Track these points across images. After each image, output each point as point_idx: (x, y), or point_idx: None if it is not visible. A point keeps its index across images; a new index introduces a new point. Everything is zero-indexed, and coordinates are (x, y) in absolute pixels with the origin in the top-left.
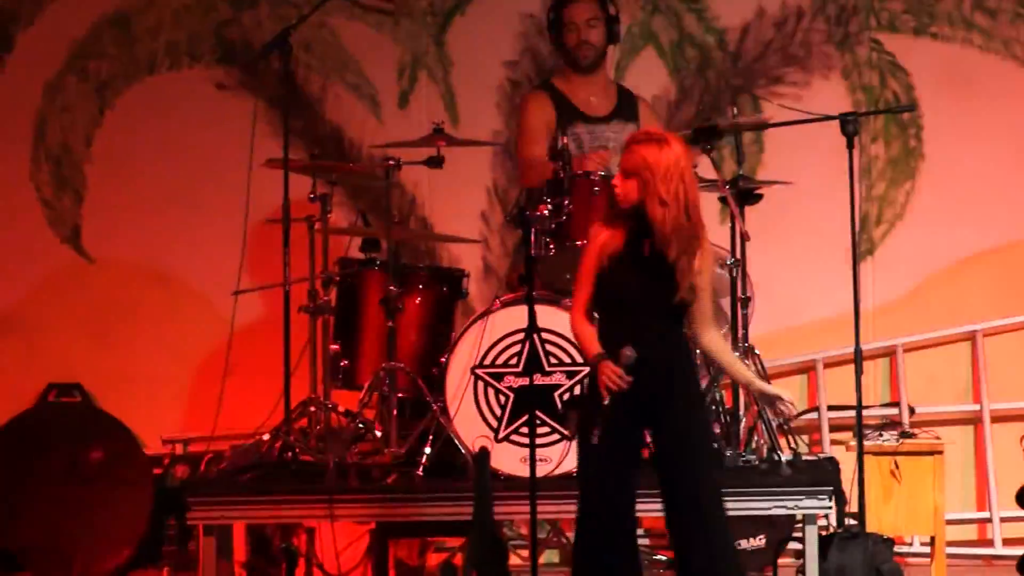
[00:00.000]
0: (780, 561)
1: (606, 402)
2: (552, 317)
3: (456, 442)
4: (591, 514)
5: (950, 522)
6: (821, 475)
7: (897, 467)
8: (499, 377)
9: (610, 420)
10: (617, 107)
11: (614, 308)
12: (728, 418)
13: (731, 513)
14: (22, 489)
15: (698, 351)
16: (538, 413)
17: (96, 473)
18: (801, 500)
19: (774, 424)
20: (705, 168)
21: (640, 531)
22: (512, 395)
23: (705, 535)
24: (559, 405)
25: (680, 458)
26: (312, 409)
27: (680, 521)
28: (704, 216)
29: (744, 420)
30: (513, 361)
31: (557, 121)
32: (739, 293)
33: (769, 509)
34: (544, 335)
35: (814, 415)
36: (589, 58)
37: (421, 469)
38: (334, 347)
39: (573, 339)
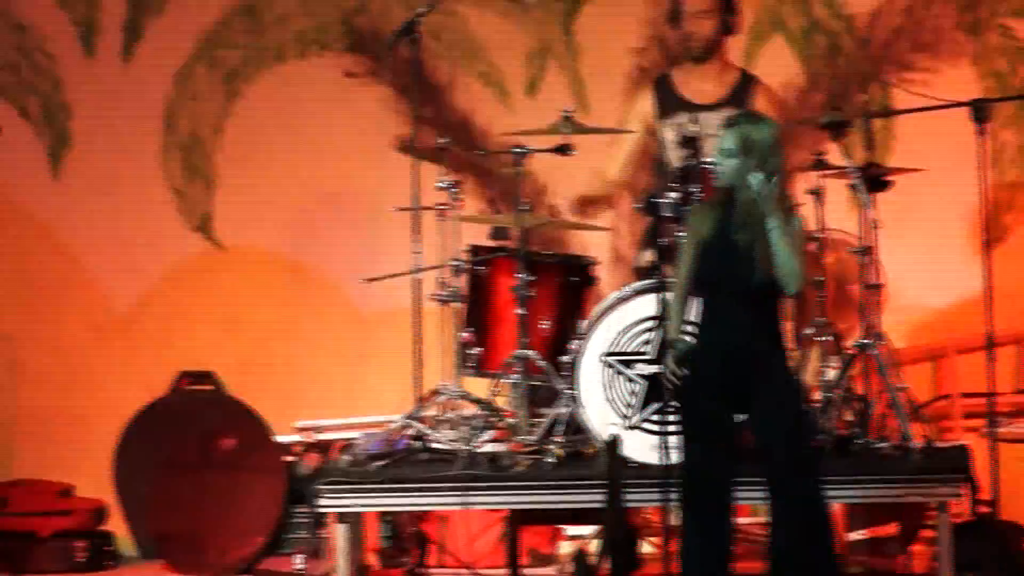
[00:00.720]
0: (912, 549)
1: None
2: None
3: (588, 429)
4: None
5: None
6: (953, 462)
7: None
8: (630, 364)
9: (694, 402)
10: (731, 94)
11: (703, 290)
12: (861, 405)
13: (863, 501)
14: (156, 477)
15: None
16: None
17: (228, 461)
18: (934, 487)
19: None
20: (835, 155)
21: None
22: (643, 382)
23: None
24: None
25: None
26: (443, 397)
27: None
28: (834, 203)
29: (875, 407)
30: (644, 348)
31: (660, 112)
32: (869, 280)
33: (901, 497)
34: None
35: (946, 401)
36: (696, 50)
37: (553, 457)
38: (465, 335)
39: None
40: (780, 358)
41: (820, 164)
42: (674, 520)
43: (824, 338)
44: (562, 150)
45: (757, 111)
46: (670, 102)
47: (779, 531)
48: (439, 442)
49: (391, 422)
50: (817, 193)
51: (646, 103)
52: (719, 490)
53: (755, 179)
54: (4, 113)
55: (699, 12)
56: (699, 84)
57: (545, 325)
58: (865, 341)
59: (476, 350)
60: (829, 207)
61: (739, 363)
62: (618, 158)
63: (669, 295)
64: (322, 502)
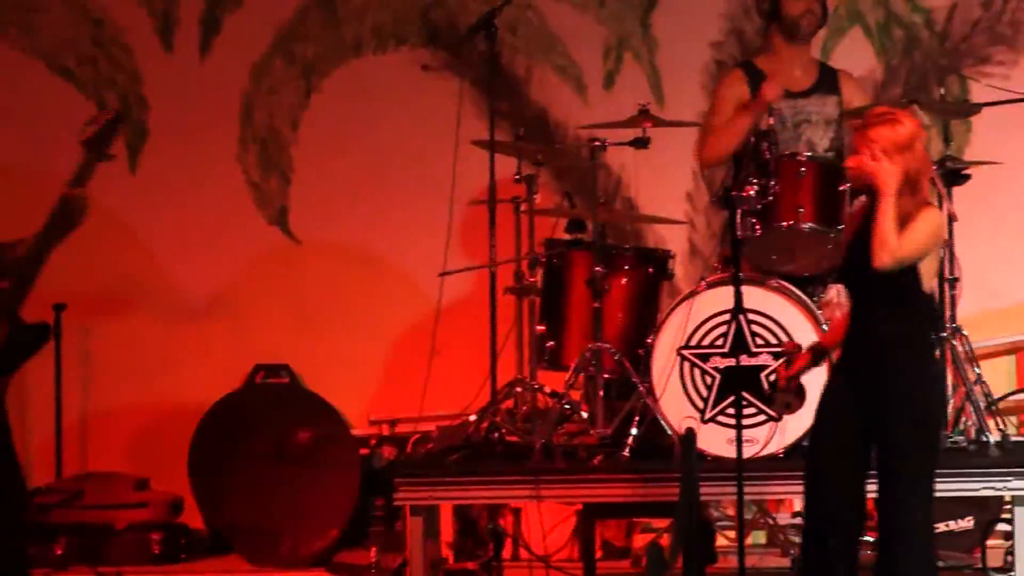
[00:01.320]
0: (988, 543)
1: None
2: (758, 298)
3: (662, 423)
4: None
5: None
6: None
7: None
8: (705, 358)
9: (825, 405)
10: (818, 81)
11: (846, 287)
12: None
13: (939, 494)
14: (230, 470)
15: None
16: (744, 394)
17: (304, 454)
18: (1010, 481)
19: (981, 405)
20: None
21: None
22: (718, 376)
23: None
24: (766, 386)
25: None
26: (518, 390)
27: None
28: None
29: (952, 401)
30: (719, 342)
31: (751, 98)
32: (946, 274)
33: (977, 490)
34: (750, 316)
35: (1023, 396)
36: (811, 26)
37: (627, 450)
38: (540, 328)
39: (778, 318)
40: (913, 372)
41: None
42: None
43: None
44: (638, 144)
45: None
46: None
47: None
48: (514, 435)
49: (466, 415)
50: None
51: (741, 87)
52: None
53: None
54: (81, 107)
55: None
56: (789, 71)
57: (621, 318)
58: (942, 335)
59: (551, 343)
60: None
61: (866, 362)
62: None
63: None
64: (397, 495)
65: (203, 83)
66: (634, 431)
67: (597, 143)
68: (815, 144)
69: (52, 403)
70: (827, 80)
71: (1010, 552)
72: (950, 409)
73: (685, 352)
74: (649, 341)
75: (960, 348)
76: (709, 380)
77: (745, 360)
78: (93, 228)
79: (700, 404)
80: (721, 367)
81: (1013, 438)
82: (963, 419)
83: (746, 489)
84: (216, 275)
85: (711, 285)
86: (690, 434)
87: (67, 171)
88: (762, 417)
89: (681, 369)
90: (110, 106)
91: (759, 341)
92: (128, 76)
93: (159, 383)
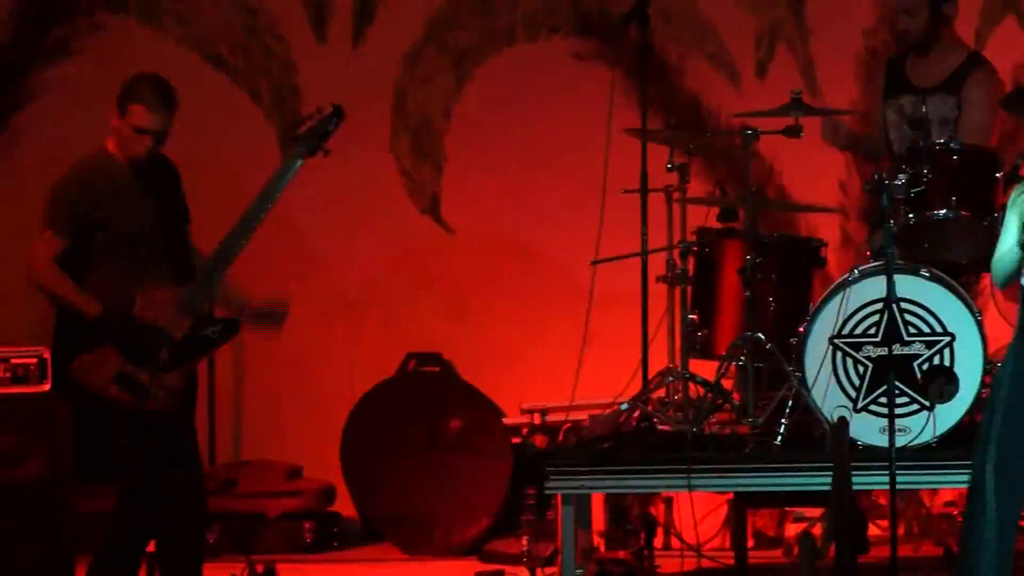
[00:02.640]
0: None
1: None
2: (911, 286)
3: (814, 412)
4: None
5: None
6: None
7: None
8: (858, 347)
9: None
10: (948, 79)
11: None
12: None
13: None
14: (383, 458)
15: None
16: (897, 383)
17: (456, 443)
18: None
19: None
20: None
21: None
22: (871, 365)
23: None
24: (919, 375)
25: None
26: (670, 379)
27: None
28: None
29: None
30: (872, 331)
31: (885, 92)
32: None
33: None
34: (903, 304)
35: None
36: (903, 47)
37: (779, 439)
38: (692, 316)
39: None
40: None
41: None
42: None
43: None
44: (791, 132)
45: None
46: (896, 83)
47: None
48: (666, 424)
49: (618, 404)
50: None
51: (881, 82)
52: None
53: None
54: (235, 96)
55: (907, 8)
56: (926, 67)
57: (772, 307)
58: None
59: (703, 332)
60: None
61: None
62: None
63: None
64: (549, 484)
65: (356, 72)
66: (786, 420)
67: (749, 131)
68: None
69: (206, 392)
70: (958, 78)
71: None
72: None
73: (837, 341)
74: (801, 330)
75: None
76: (861, 369)
77: (898, 349)
78: None
79: (852, 393)
80: (874, 356)
81: None
82: None
83: (899, 478)
84: (369, 264)
85: (864, 274)
86: (842, 423)
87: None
88: (915, 406)
89: (833, 358)
90: (323, 107)
91: (912, 330)
92: (281, 66)
93: (312, 372)
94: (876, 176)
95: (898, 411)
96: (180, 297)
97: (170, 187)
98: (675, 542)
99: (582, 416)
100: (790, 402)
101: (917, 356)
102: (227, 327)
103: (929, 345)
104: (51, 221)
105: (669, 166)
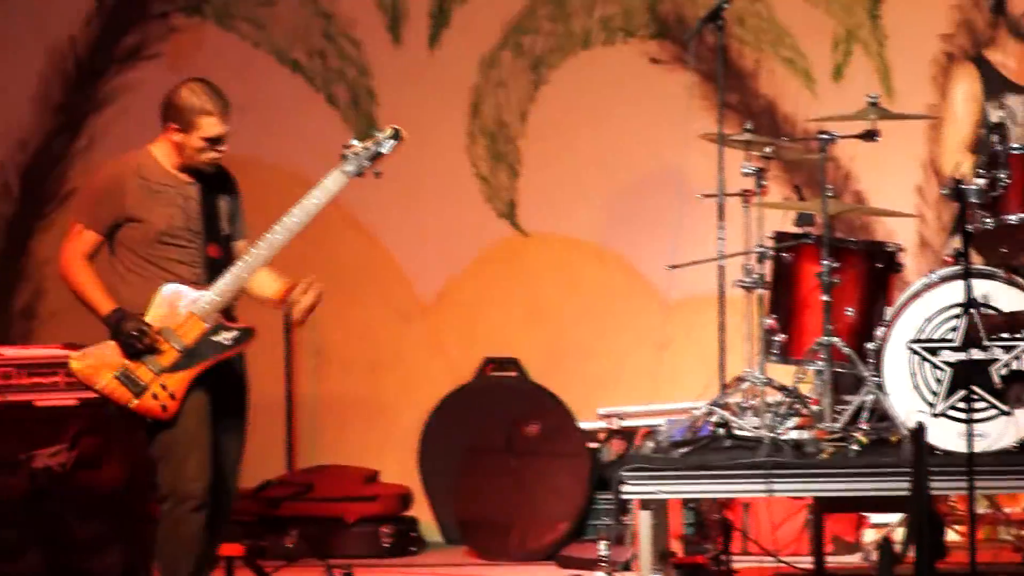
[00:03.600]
0: None
1: None
2: (989, 291)
3: (892, 417)
4: None
5: None
6: None
7: None
8: (936, 351)
9: None
10: None
11: None
12: None
13: None
14: (460, 463)
15: None
16: (976, 388)
17: (533, 447)
18: None
19: None
20: None
21: None
22: (949, 369)
23: None
24: (997, 380)
25: None
26: (747, 383)
27: None
28: None
29: None
30: (950, 335)
31: (985, 94)
32: None
33: None
34: (981, 309)
35: None
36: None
37: (857, 444)
38: (769, 321)
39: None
40: None
41: None
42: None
43: None
44: (867, 136)
45: None
46: (995, 83)
47: None
48: (743, 429)
49: (695, 409)
50: None
51: (974, 84)
52: None
53: None
54: (311, 100)
55: None
56: (1017, 66)
57: (850, 312)
58: None
59: (780, 337)
60: None
61: None
62: (950, 147)
63: None
64: (626, 489)
65: (432, 76)
66: (864, 425)
67: (826, 136)
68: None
69: (283, 396)
70: None
71: None
72: None
73: (915, 345)
74: (879, 334)
75: None
76: (939, 374)
77: (976, 354)
78: (324, 223)
79: (930, 398)
80: (952, 361)
81: None
82: None
83: (977, 483)
84: (446, 268)
85: (942, 278)
86: (920, 428)
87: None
88: (993, 411)
89: (911, 363)
90: (388, 127)
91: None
92: (357, 69)
93: (389, 376)
94: (953, 180)
95: (976, 416)
96: (196, 301)
97: (219, 196)
98: (753, 547)
99: (659, 421)
100: (868, 407)
101: (995, 360)
102: (241, 335)
103: (1008, 349)
104: (82, 215)
105: (746, 170)
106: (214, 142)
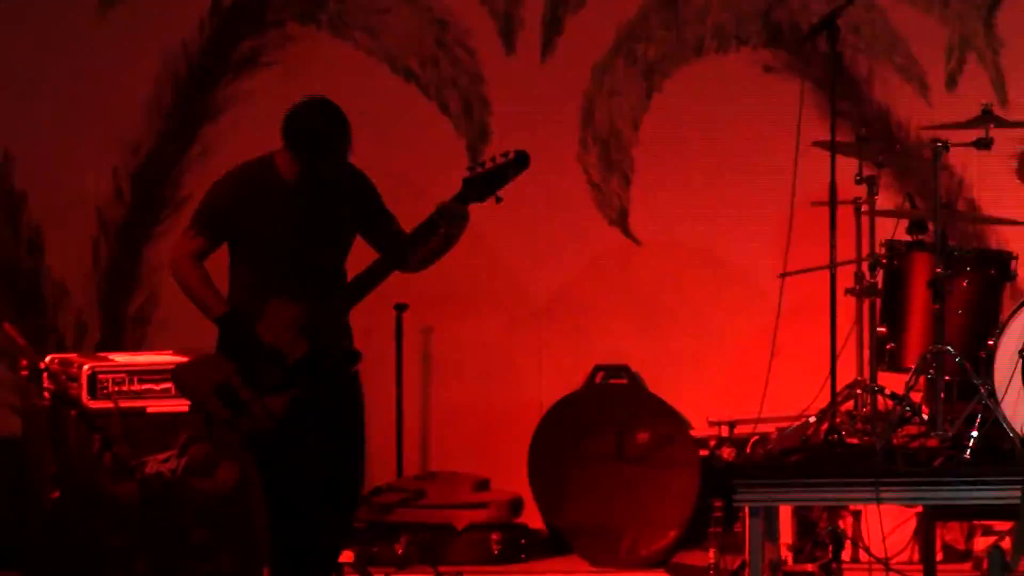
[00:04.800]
0: None
1: None
2: None
3: (1004, 425)
4: None
5: None
6: None
7: None
8: None
9: None
10: None
11: None
12: None
13: None
14: (570, 470)
15: None
16: None
17: (643, 454)
18: None
19: None
20: None
21: None
22: None
23: None
24: None
25: None
26: (858, 391)
27: None
28: None
29: None
30: None
31: None
32: None
33: None
34: None
35: None
36: None
37: (968, 452)
38: (881, 329)
39: None
40: None
41: None
42: None
43: None
44: (981, 144)
45: None
46: None
47: None
48: (854, 437)
49: (806, 416)
50: None
51: None
52: None
53: None
54: (424, 108)
55: None
56: None
57: (962, 320)
58: None
59: (891, 345)
60: None
61: None
62: None
63: None
64: (737, 496)
65: (544, 83)
66: (975, 433)
67: (939, 144)
68: None
69: (393, 402)
70: None
71: None
72: None
73: None
74: (991, 343)
75: None
76: None
77: None
78: None
79: None
80: None
81: None
82: None
83: None
84: (557, 275)
85: None
86: None
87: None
88: None
89: (1023, 371)
90: (508, 152)
91: None
92: (470, 77)
93: (499, 383)
94: None
95: None
96: (304, 318)
97: (342, 204)
98: (863, 555)
99: (770, 428)
100: (979, 415)
101: None
102: (345, 359)
103: None
104: (195, 219)
105: (858, 178)
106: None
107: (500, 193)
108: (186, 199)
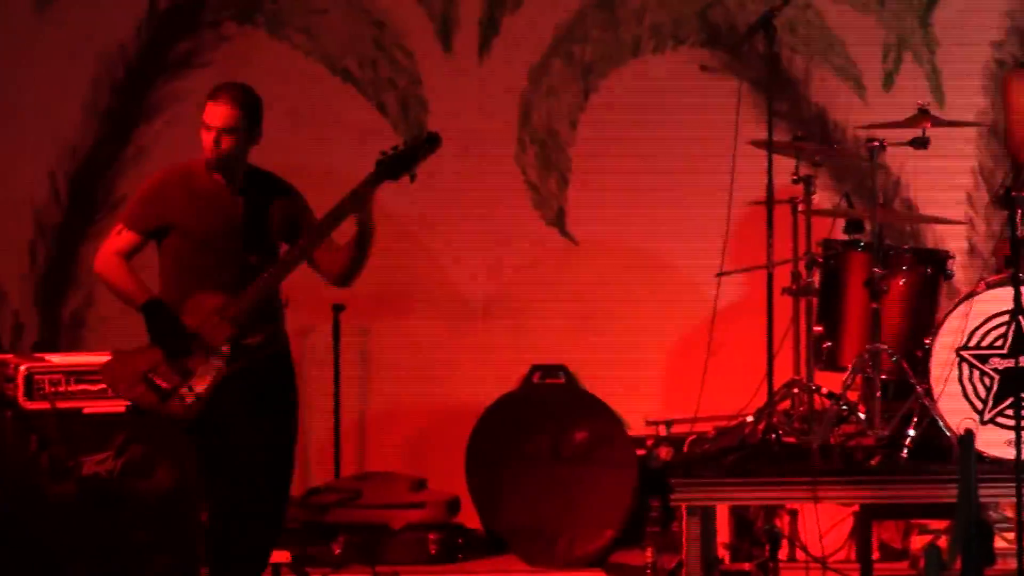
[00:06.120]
0: None
1: None
2: None
3: (940, 424)
4: None
5: None
6: None
7: None
8: (984, 359)
9: None
10: None
11: None
12: None
13: None
14: (507, 470)
15: None
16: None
17: (580, 454)
18: None
19: None
20: None
21: None
22: (997, 377)
23: None
24: None
25: None
26: (795, 391)
27: None
28: None
29: None
30: (999, 343)
31: None
32: None
33: None
34: None
35: None
36: None
37: (905, 451)
38: (817, 328)
39: None
40: None
41: None
42: None
43: None
44: (918, 144)
45: None
46: None
47: None
48: (791, 436)
49: (743, 416)
50: None
51: None
52: None
53: None
54: (362, 108)
55: None
56: None
57: (899, 319)
58: None
59: (828, 344)
60: None
61: None
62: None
63: None
64: (673, 496)
65: (482, 84)
66: (912, 432)
67: (876, 143)
68: None
69: (331, 403)
70: None
71: None
72: None
73: (964, 353)
74: (927, 342)
75: None
76: (988, 381)
77: None
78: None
79: (979, 405)
80: (1000, 368)
81: None
82: None
83: None
84: (495, 275)
85: (990, 285)
86: (969, 435)
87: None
88: None
89: (960, 370)
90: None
91: None
92: (408, 78)
93: (437, 383)
94: (1003, 187)
95: None
96: (227, 306)
97: (269, 205)
98: (800, 554)
99: (707, 428)
100: (916, 414)
101: None
102: (267, 340)
103: None
104: (123, 217)
105: (795, 178)
106: (206, 128)
107: (414, 171)
108: (121, 200)
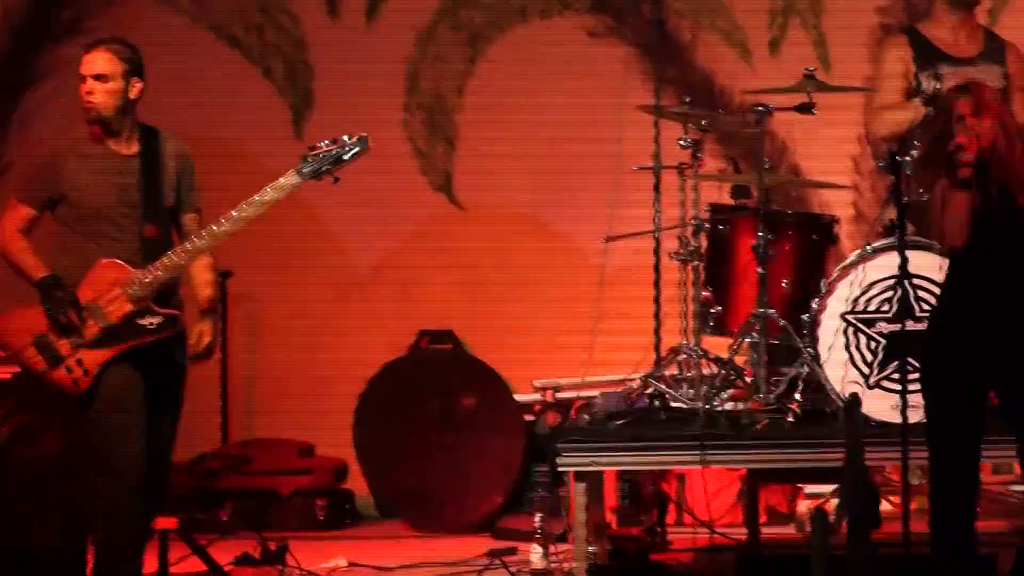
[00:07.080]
0: None
1: None
2: (924, 262)
3: (827, 388)
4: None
5: None
6: None
7: None
8: (870, 323)
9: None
10: (985, 49)
11: None
12: None
13: None
14: (395, 436)
15: None
16: (910, 359)
17: (468, 420)
18: None
19: None
20: None
21: None
22: (883, 341)
23: None
24: None
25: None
26: (682, 356)
27: None
28: None
29: None
30: (884, 307)
31: (916, 64)
32: None
33: None
34: (916, 281)
35: None
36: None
37: (792, 415)
38: (704, 293)
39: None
40: None
41: None
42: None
43: None
44: (804, 109)
45: None
46: (928, 54)
47: None
48: (678, 401)
49: (630, 381)
50: None
51: (905, 54)
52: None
53: None
54: (248, 74)
55: None
56: (954, 38)
57: (785, 284)
58: None
59: (716, 309)
60: None
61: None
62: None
63: None
64: (561, 461)
65: (369, 50)
66: (799, 396)
67: (762, 108)
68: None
69: (218, 369)
70: (993, 50)
71: None
72: None
73: (850, 317)
74: (814, 306)
75: None
76: (874, 345)
77: (910, 325)
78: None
79: (865, 369)
80: (886, 332)
81: None
82: None
83: (911, 454)
84: (382, 241)
85: (876, 250)
86: (855, 399)
87: (232, 140)
88: None
89: (846, 334)
90: (352, 135)
91: (924, 306)
92: (294, 43)
93: (325, 349)
94: (889, 152)
95: (910, 387)
96: (129, 281)
97: (162, 169)
98: (687, 519)
99: (594, 393)
100: (803, 379)
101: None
102: (166, 322)
103: None
104: (16, 190)
105: (682, 143)
106: (80, 79)
107: (337, 173)
108: (7, 167)
